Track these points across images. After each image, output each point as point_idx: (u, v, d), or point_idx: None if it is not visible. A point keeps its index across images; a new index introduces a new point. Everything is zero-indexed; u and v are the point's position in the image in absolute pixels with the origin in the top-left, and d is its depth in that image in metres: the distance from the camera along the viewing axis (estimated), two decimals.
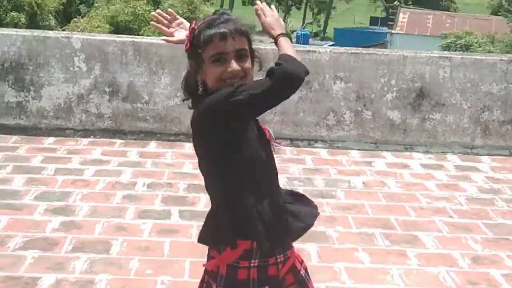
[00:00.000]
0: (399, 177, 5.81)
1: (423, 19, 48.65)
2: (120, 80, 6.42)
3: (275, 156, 2.30)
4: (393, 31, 48.19)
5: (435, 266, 4.18)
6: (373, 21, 62.87)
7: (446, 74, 6.49)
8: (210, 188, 2.27)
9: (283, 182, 5.50)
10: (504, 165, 6.27)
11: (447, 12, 55.17)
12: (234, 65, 2.11)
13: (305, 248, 4.32)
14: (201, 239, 2.31)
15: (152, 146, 6.30)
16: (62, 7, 31.27)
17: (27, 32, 6.53)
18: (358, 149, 6.49)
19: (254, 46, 2.25)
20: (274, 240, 2.17)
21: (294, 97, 6.35)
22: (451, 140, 6.64)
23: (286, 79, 2.03)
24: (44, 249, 4.13)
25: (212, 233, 2.27)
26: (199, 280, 2.36)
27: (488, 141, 6.65)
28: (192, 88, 2.22)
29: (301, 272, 2.35)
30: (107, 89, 6.44)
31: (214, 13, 2.22)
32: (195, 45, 2.16)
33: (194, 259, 3.92)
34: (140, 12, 29.83)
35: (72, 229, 4.44)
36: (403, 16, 50.15)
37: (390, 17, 56.90)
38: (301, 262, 2.39)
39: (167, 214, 4.76)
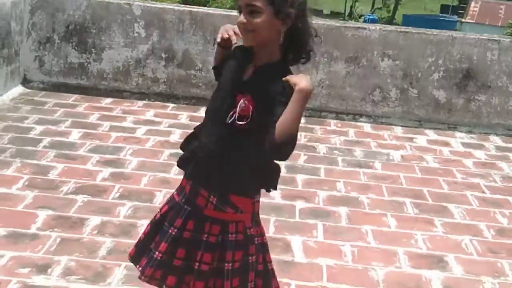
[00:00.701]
0: (438, 154, 5.96)
1: (495, 9, 47.62)
2: (176, 47, 6.73)
3: None
4: (463, 20, 47.33)
5: (459, 234, 4.36)
6: (444, 9, 61.66)
7: (494, 56, 6.57)
8: None
9: (324, 151, 5.73)
10: None
11: None
12: (240, 17, 2.27)
13: (336, 210, 4.56)
14: None
15: (203, 111, 6.47)
16: None
17: None
18: (402, 126, 6.65)
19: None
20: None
21: (342, 71, 6.59)
22: (495, 121, 6.73)
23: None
24: (93, 195, 4.48)
25: None
26: None
27: None
28: None
29: (231, 237, 2.40)
30: (163, 55, 6.76)
31: None
32: None
33: None
34: None
35: (121, 179, 4.78)
36: (475, 5, 49.17)
37: (461, 5, 55.82)
38: (242, 239, 2.41)
39: None
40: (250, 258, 2.43)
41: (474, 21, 45.82)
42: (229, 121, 2.27)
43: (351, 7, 61.83)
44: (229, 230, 2.40)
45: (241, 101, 2.26)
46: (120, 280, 3.45)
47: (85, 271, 3.51)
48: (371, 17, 51.72)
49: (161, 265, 2.44)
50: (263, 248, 2.54)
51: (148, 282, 2.50)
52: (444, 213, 4.68)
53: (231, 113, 2.28)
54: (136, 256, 2.57)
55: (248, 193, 2.43)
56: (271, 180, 2.48)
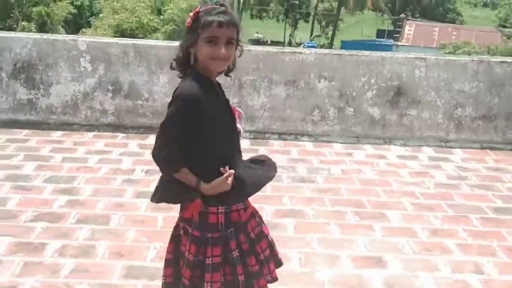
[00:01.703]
0: (376, 166, 6.35)
1: (429, 32, 49.12)
2: (122, 79, 7.01)
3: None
4: (399, 43, 48.63)
5: (397, 237, 4.72)
6: (380, 33, 63.43)
7: (422, 73, 7.04)
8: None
9: None
10: (475, 157, 6.79)
11: (453, 25, 55.62)
12: (223, 50, 2.60)
13: (283, 222, 4.87)
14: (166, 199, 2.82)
15: (151, 139, 6.75)
16: (72, 17, 32.15)
17: (37, 35, 7.13)
18: (341, 142, 7.04)
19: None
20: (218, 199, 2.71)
21: (282, 94, 6.95)
22: (427, 134, 7.19)
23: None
24: (52, 221, 4.69)
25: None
26: None
27: (461, 135, 7.19)
28: (182, 59, 2.70)
29: (256, 219, 2.93)
30: (110, 88, 7.03)
31: (215, 4, 2.68)
32: (196, 24, 2.63)
33: None
34: (145, 21, 30.57)
35: (77, 205, 5.00)
36: (409, 29, 50.63)
37: (397, 29, 57.36)
38: (256, 212, 2.96)
39: None
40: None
41: (409, 44, 47.12)
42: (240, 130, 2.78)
43: (290, 35, 62.94)
44: (254, 214, 2.92)
45: (238, 111, 2.78)
46: None
47: None
48: (310, 44, 52.80)
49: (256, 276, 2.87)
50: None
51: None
52: (383, 219, 5.04)
53: (237, 124, 2.77)
54: None
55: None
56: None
